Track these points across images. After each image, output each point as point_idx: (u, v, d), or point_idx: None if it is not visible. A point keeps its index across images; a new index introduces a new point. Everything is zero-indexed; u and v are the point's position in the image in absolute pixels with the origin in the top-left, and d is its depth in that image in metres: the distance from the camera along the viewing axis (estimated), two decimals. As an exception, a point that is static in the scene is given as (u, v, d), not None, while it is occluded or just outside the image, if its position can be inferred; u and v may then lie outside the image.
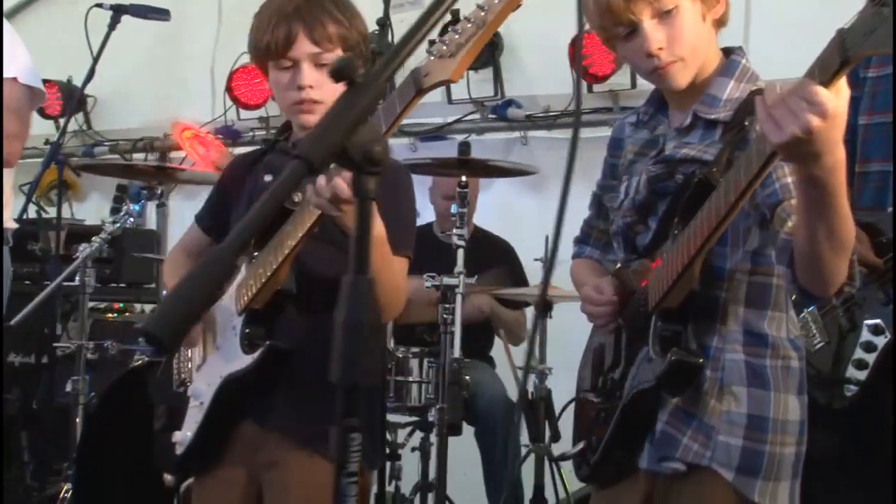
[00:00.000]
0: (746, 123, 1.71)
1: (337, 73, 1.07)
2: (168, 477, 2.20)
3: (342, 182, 1.76)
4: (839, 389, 1.89)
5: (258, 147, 2.38)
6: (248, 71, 5.27)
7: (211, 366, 2.13)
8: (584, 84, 4.43)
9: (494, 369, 3.96)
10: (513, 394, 3.76)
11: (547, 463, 3.38)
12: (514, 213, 4.56)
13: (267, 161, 2.21)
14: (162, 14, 3.86)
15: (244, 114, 5.35)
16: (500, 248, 4.16)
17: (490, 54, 4.56)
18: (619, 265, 2.00)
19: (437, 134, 4.84)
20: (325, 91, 2.06)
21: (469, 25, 1.65)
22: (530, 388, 3.45)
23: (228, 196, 2.26)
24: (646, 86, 4.13)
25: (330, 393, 2.00)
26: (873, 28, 1.25)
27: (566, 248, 2.17)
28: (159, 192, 3.69)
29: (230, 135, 5.37)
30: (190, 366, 2.20)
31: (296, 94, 2.06)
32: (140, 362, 3.42)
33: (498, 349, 4.02)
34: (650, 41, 1.78)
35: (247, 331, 2.04)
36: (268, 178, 2.16)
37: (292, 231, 1.91)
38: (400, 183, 2.10)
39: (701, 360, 1.71)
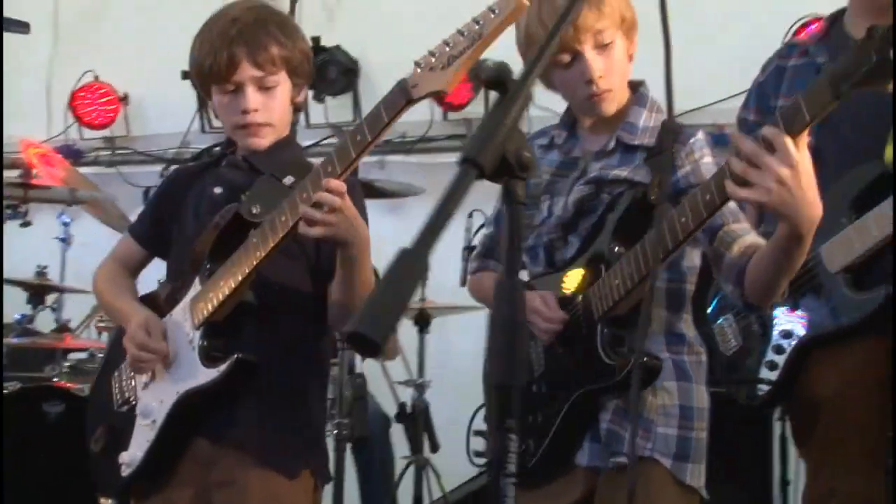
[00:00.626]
0: (673, 150, 1.90)
1: (491, 82, 1.10)
2: (108, 502, 2.12)
3: (338, 188, 1.79)
4: (753, 388, 2.09)
5: (196, 162, 2.36)
6: (93, 90, 5.11)
7: (162, 382, 2.05)
8: (440, 111, 4.64)
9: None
10: (388, 408, 3.83)
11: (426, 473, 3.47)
12: (374, 234, 4.60)
13: (216, 174, 2.17)
14: (22, 27, 3.70)
15: (87, 133, 5.19)
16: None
17: (348, 81, 4.67)
18: (529, 278, 2.08)
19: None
20: (270, 113, 2.06)
21: (462, 38, 1.70)
22: (409, 401, 3.53)
23: (168, 209, 2.21)
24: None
25: (290, 406, 2.04)
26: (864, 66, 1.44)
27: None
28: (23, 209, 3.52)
29: (71, 154, 5.13)
30: (133, 384, 2.12)
31: (240, 117, 2.05)
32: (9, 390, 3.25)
33: (372, 365, 4.05)
34: (593, 69, 1.91)
35: (204, 344, 2.00)
36: (217, 189, 2.13)
37: (260, 243, 1.90)
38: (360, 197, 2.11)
39: (661, 362, 1.85)
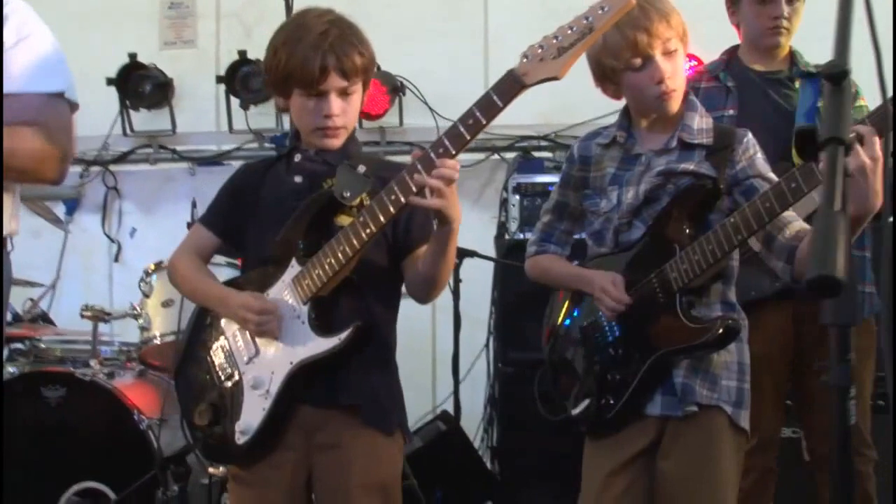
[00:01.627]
0: (729, 150, 2.22)
1: (832, 77, 1.28)
2: (219, 469, 2.20)
3: (455, 166, 1.95)
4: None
5: (268, 156, 2.43)
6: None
7: (270, 355, 2.15)
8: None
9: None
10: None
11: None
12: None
13: (292, 166, 2.26)
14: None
15: None
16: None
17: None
18: (594, 258, 2.36)
19: (215, 160, 4.88)
20: (347, 117, 2.21)
21: (570, 32, 1.89)
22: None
23: (243, 201, 2.29)
24: (412, 125, 4.70)
25: (383, 371, 2.24)
26: None
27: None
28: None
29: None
30: (235, 360, 2.20)
31: (322, 121, 2.18)
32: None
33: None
34: (663, 70, 2.20)
35: (313, 316, 2.12)
36: (297, 178, 2.23)
37: (370, 220, 2.03)
38: None
39: (743, 322, 2.17)
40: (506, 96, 1.93)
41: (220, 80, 4.73)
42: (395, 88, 4.58)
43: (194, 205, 3.72)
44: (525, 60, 1.93)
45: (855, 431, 2.82)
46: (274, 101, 2.35)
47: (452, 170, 1.95)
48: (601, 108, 4.43)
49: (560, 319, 2.46)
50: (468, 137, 1.95)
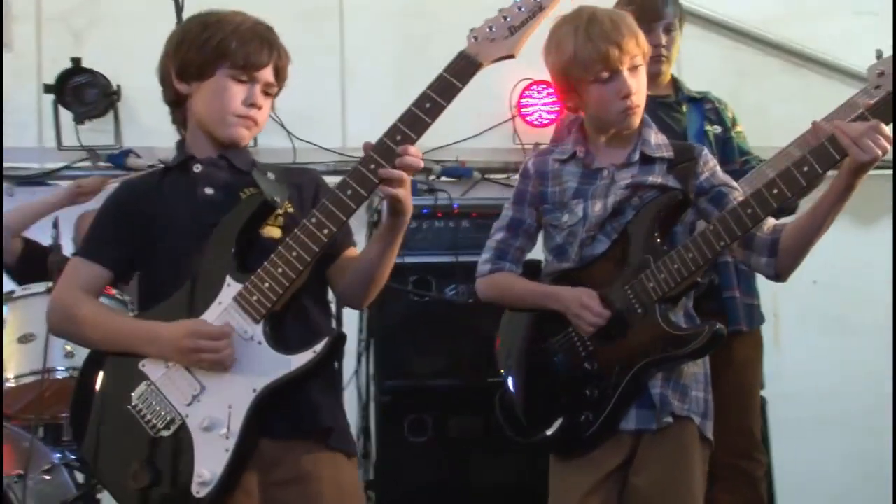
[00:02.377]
0: (693, 162, 2.28)
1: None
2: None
3: (417, 153, 1.88)
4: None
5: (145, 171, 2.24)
6: None
7: (223, 388, 1.91)
8: None
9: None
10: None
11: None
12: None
13: (197, 177, 2.08)
14: None
15: None
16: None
17: (108, 104, 4.40)
18: (555, 273, 2.34)
19: (39, 179, 4.42)
20: (264, 116, 2.10)
21: (520, 11, 1.89)
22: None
23: (136, 223, 2.06)
24: (266, 145, 4.51)
25: (335, 387, 2.08)
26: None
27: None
28: None
29: None
30: (169, 404, 1.93)
31: (245, 108, 2.05)
32: None
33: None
34: (630, 85, 2.23)
35: (271, 334, 1.92)
36: (209, 190, 2.06)
37: (326, 221, 1.90)
38: None
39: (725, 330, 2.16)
40: (462, 76, 1.90)
41: (47, 89, 4.31)
42: None
43: (55, 225, 3.35)
44: (475, 41, 1.91)
45: (749, 437, 3.08)
46: (169, 87, 2.12)
47: (417, 157, 1.89)
48: (463, 132, 4.69)
49: (521, 338, 2.41)
50: (429, 121, 1.90)
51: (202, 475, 1.88)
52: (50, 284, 3.22)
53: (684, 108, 3.16)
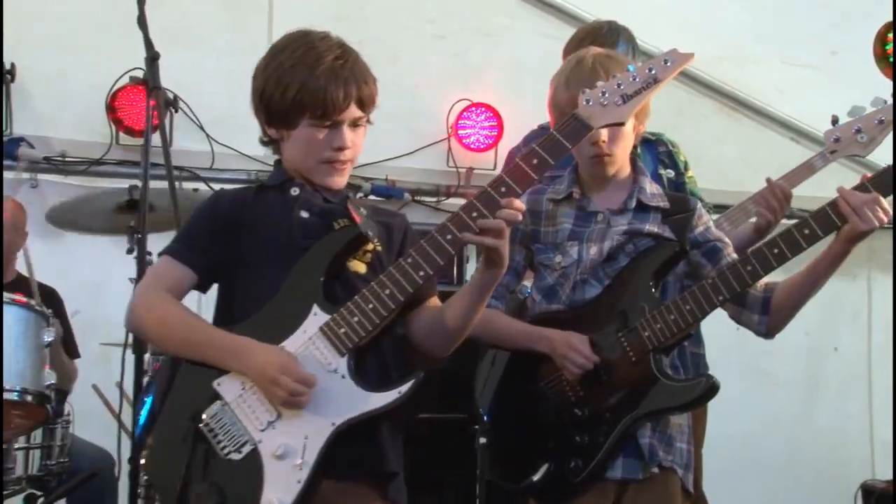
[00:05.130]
0: (690, 214, 2.59)
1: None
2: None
3: (520, 207, 2.07)
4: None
5: (246, 186, 2.40)
6: None
7: (301, 418, 2.06)
8: (115, 133, 4.65)
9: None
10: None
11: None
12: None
13: (290, 199, 2.26)
14: None
15: None
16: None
17: None
18: (542, 315, 2.58)
19: None
20: (356, 150, 2.27)
21: (633, 81, 2.13)
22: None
23: (231, 232, 2.22)
24: (183, 147, 4.56)
25: (398, 435, 2.29)
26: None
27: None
28: None
29: None
30: (244, 426, 2.08)
31: (332, 153, 2.22)
32: None
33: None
34: (599, 132, 2.47)
35: (354, 369, 2.09)
36: (304, 213, 2.23)
37: (423, 262, 2.08)
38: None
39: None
40: (573, 138, 2.12)
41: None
42: (168, 102, 4.52)
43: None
44: (586, 104, 2.13)
45: (698, 490, 3.35)
46: (261, 126, 2.30)
47: (518, 211, 2.06)
48: (395, 150, 4.88)
49: (506, 378, 2.63)
50: (535, 177, 2.10)
51: (271, 502, 2.02)
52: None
53: (638, 150, 3.46)
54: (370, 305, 2.10)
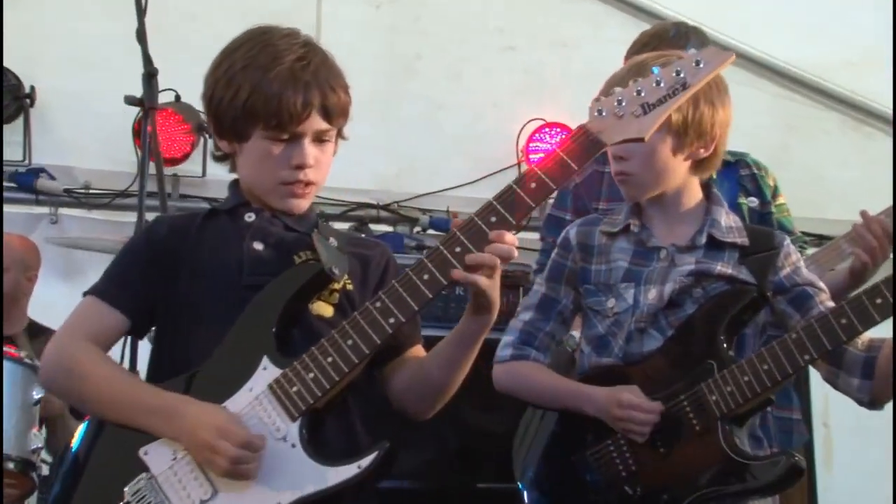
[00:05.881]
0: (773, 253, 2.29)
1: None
2: None
3: (513, 242, 1.86)
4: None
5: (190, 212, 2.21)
6: None
7: (242, 497, 1.88)
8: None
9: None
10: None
11: None
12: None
13: (248, 227, 2.07)
14: None
15: None
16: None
17: (17, 109, 4.36)
18: (593, 369, 2.32)
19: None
20: (321, 171, 2.07)
21: (657, 87, 1.88)
22: None
23: (167, 267, 2.05)
24: (217, 177, 4.41)
25: None
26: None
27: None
28: None
29: None
30: (173, 502, 1.89)
31: (290, 172, 2.04)
32: None
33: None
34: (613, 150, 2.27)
35: (306, 437, 1.89)
36: (258, 245, 2.05)
37: (394, 308, 1.88)
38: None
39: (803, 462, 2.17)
40: (580, 159, 1.88)
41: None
42: (201, 127, 4.31)
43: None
44: (598, 115, 1.89)
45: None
46: (213, 146, 2.13)
47: (512, 246, 1.86)
48: (457, 177, 4.74)
49: (547, 445, 2.40)
50: (532, 204, 1.88)
51: None
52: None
53: (714, 175, 3.13)
54: (329, 359, 1.91)
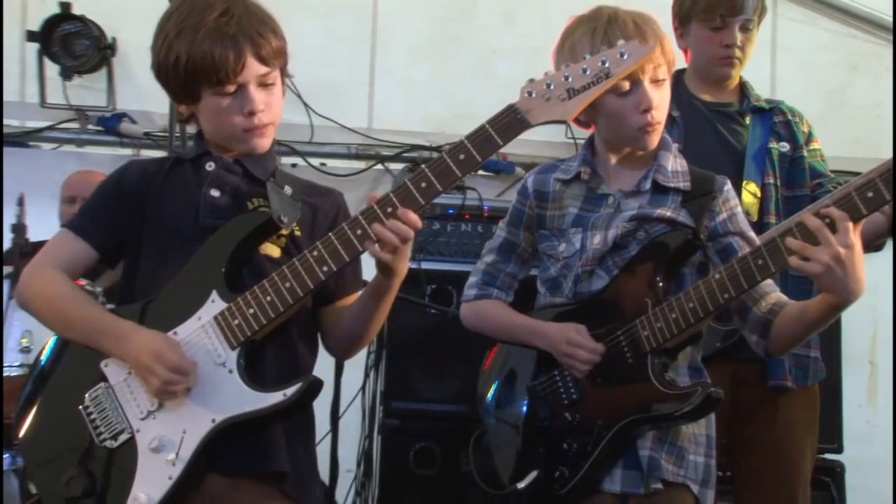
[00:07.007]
0: (710, 197, 2.44)
1: None
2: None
3: (416, 223, 2.10)
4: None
5: (162, 157, 2.45)
6: None
7: (181, 411, 2.14)
8: None
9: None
10: None
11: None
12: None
13: (202, 174, 2.30)
14: None
15: None
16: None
17: (101, 59, 4.69)
18: (545, 308, 2.54)
19: (18, 140, 4.76)
20: (273, 111, 2.28)
21: (583, 75, 2.08)
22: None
23: (134, 207, 2.28)
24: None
25: (307, 434, 2.33)
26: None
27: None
28: None
29: None
30: (123, 413, 2.16)
31: (246, 120, 2.24)
32: None
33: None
34: (651, 98, 2.39)
35: (243, 364, 2.14)
36: (214, 192, 2.27)
37: (328, 258, 2.11)
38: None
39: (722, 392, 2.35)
40: (506, 135, 2.09)
41: (31, 36, 4.62)
42: None
43: (20, 202, 3.65)
44: (528, 96, 2.09)
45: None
46: (174, 110, 2.43)
47: (411, 226, 2.09)
48: None
49: (504, 375, 2.62)
50: (459, 174, 2.09)
51: (138, 498, 2.12)
52: (10, 269, 3.52)
53: (747, 120, 3.26)
54: (268, 298, 2.15)
